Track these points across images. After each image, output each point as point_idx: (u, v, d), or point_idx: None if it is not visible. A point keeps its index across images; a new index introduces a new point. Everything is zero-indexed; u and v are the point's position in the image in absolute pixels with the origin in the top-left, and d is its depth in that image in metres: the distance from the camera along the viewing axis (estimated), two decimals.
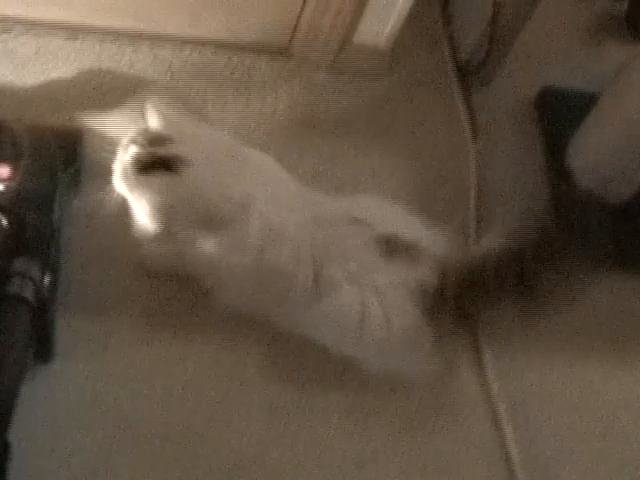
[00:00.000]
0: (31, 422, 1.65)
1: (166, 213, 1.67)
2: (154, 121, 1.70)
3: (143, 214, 1.71)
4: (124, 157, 1.65)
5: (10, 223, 1.67)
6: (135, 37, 2.27)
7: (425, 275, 1.72)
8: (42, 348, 1.70)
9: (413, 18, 2.35)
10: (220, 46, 2.32)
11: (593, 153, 2.28)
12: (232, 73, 2.30)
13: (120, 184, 1.68)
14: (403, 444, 1.87)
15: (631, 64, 2.17)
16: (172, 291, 1.89)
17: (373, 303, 1.70)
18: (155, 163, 1.62)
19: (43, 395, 1.70)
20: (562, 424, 1.98)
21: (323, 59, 2.37)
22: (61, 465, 1.66)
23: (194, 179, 1.64)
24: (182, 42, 2.29)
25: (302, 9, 2.27)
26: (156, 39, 2.28)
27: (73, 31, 2.22)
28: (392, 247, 1.72)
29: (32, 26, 2.20)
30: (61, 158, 1.86)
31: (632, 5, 2.82)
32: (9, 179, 1.72)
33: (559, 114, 2.46)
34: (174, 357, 1.84)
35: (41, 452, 1.65)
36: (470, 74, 2.50)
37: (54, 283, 1.70)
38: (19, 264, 1.61)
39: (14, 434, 1.50)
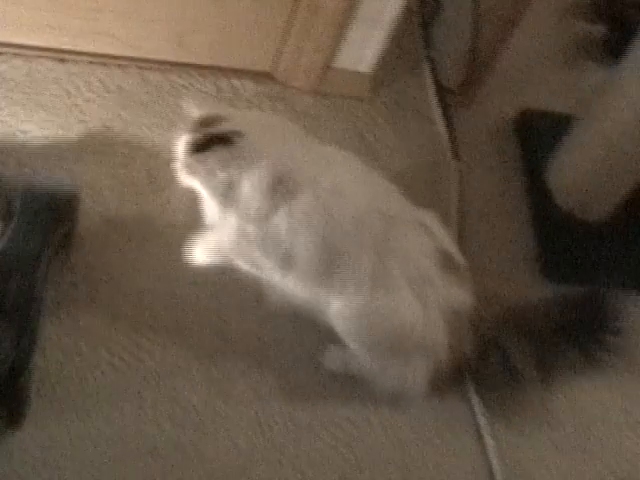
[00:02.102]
0: None
1: (231, 188, 1.69)
2: (197, 110, 1.73)
3: (210, 197, 1.74)
4: (180, 148, 1.69)
5: None
6: (124, 61, 2.31)
7: (466, 299, 1.79)
8: (12, 414, 1.67)
9: (395, 42, 2.42)
10: (206, 70, 2.37)
11: (572, 173, 2.34)
12: (218, 96, 2.34)
13: (183, 174, 1.71)
14: (388, 455, 1.90)
15: (608, 87, 2.23)
16: (159, 307, 1.93)
17: (419, 317, 1.74)
18: (210, 141, 1.66)
19: None
20: (540, 436, 2.02)
21: (306, 83, 2.41)
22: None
23: (252, 147, 1.67)
24: (170, 65, 2.34)
25: (285, 35, 2.32)
26: (144, 63, 2.32)
27: (62, 54, 2.26)
28: (447, 264, 1.76)
29: (22, 50, 2.24)
30: (52, 218, 1.81)
31: (610, 29, 2.88)
32: None
33: (538, 135, 2.51)
34: (163, 372, 1.86)
35: None
36: (451, 96, 2.55)
37: (32, 348, 1.67)
38: None
39: None
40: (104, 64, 2.29)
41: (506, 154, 2.52)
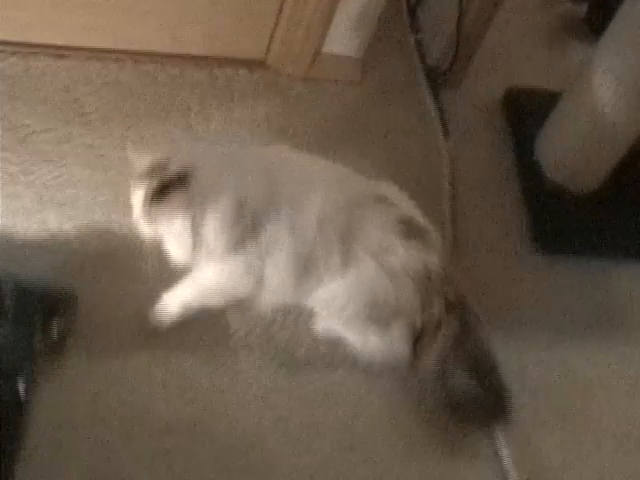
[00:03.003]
0: None
1: (197, 228, 1.68)
2: (143, 158, 1.70)
3: (175, 239, 1.73)
4: (136, 202, 1.68)
5: None
6: (119, 54, 2.35)
7: (433, 262, 1.81)
8: None
9: (382, 27, 2.48)
10: (200, 60, 2.42)
11: (559, 147, 2.40)
12: (213, 84, 2.40)
13: (144, 224, 1.69)
14: (391, 428, 1.96)
15: (591, 63, 2.28)
16: None
17: (386, 285, 1.78)
18: (166, 187, 1.63)
19: None
20: (542, 402, 2.08)
21: (298, 69, 2.47)
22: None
23: (208, 181, 1.67)
24: (165, 57, 2.39)
25: (275, 24, 2.38)
26: (139, 56, 2.37)
27: (59, 50, 2.31)
28: (410, 229, 1.79)
29: (19, 48, 2.28)
30: (44, 318, 1.72)
31: (591, 7, 2.94)
32: None
33: (525, 112, 2.58)
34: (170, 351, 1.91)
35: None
36: (439, 77, 2.61)
37: (16, 453, 1.60)
38: None
39: None
40: (100, 58, 2.34)
41: (495, 131, 2.59)
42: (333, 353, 1.98)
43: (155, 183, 1.63)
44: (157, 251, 1.74)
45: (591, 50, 2.38)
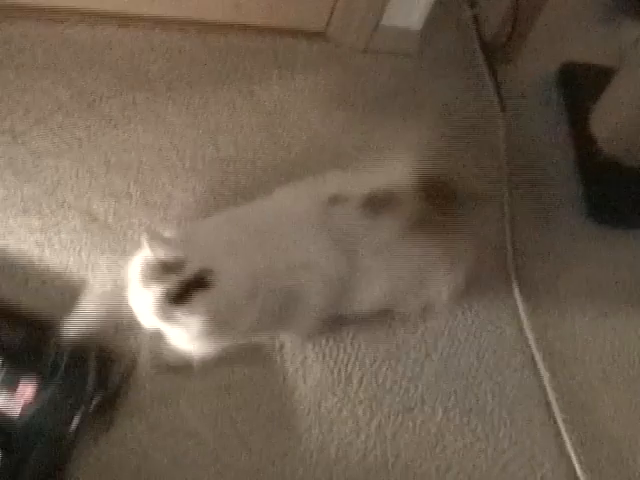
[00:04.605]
0: None
1: (220, 327, 1.60)
2: (158, 249, 1.53)
3: (191, 338, 1.62)
4: (149, 300, 1.52)
5: (6, 464, 1.50)
6: (183, 24, 2.40)
7: (408, 211, 1.78)
8: None
9: (441, 2, 2.50)
10: (262, 30, 2.46)
11: (614, 121, 2.41)
12: (275, 55, 2.44)
13: (155, 323, 1.56)
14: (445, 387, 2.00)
15: None
16: None
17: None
18: (186, 289, 1.51)
19: None
20: (596, 370, 2.11)
21: (357, 41, 2.50)
22: None
23: (229, 280, 1.56)
24: (227, 27, 2.43)
25: None
26: (202, 25, 2.41)
27: (124, 19, 2.36)
28: (376, 204, 1.76)
29: (85, 16, 2.33)
30: (95, 384, 1.61)
31: None
32: (29, 403, 1.53)
33: (580, 87, 2.59)
34: None
35: None
36: (496, 52, 2.64)
37: None
38: None
39: None
40: (164, 28, 2.38)
41: (550, 106, 2.60)
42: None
43: (176, 284, 1.50)
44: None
45: None
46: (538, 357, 2.07)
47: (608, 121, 2.43)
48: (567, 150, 2.49)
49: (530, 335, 2.09)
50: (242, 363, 1.87)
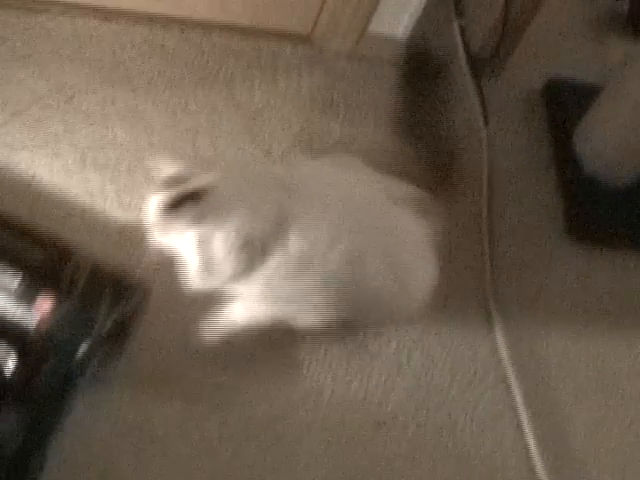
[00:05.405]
0: None
1: (207, 245, 1.67)
2: (169, 167, 1.68)
3: (187, 256, 1.70)
4: (152, 208, 1.65)
5: (19, 369, 1.57)
6: (166, 20, 2.37)
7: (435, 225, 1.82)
8: None
9: (428, 10, 2.47)
10: (247, 31, 2.43)
11: (598, 139, 2.41)
12: (258, 56, 2.41)
13: (157, 233, 1.67)
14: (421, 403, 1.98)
15: (633, 57, 2.30)
16: None
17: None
18: (180, 200, 1.61)
19: None
20: (569, 390, 2.09)
21: (343, 47, 2.48)
22: None
23: (222, 202, 1.65)
24: (211, 26, 2.40)
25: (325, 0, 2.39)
26: (186, 23, 2.38)
27: (107, 14, 2.32)
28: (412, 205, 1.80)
29: (68, 8, 2.29)
30: (111, 307, 1.66)
31: (633, 4, 2.95)
32: (45, 317, 1.58)
33: (565, 103, 2.58)
34: None
35: None
36: (481, 64, 2.61)
37: (49, 434, 1.59)
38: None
39: None
40: (147, 23, 2.35)
41: (534, 121, 2.59)
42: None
43: (172, 194, 1.62)
44: None
45: (632, 46, 2.39)
46: (511, 375, 2.05)
47: (591, 139, 2.42)
48: (550, 167, 2.47)
49: (504, 353, 2.07)
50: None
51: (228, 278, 1.73)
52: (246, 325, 1.84)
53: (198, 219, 1.63)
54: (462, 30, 2.65)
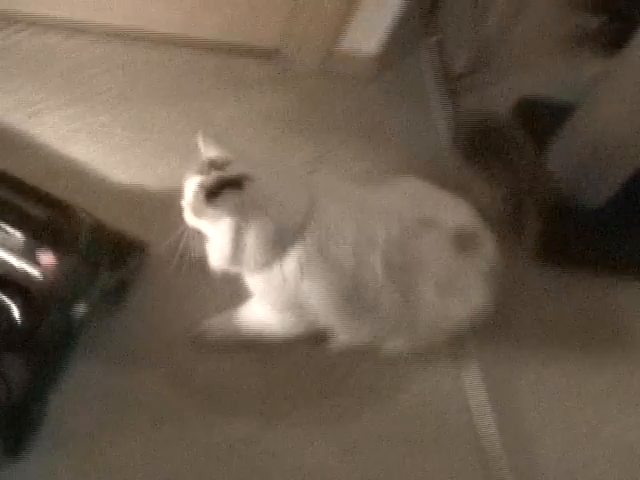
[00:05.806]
0: None
1: (242, 233, 1.64)
2: (210, 149, 1.69)
3: (218, 241, 1.68)
4: (190, 189, 1.65)
5: (25, 318, 1.60)
6: (134, 33, 2.35)
7: (490, 257, 1.84)
8: (10, 445, 1.62)
9: (401, 27, 2.45)
10: (215, 46, 2.41)
11: (570, 159, 2.38)
12: (223, 74, 2.40)
13: (191, 216, 1.66)
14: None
15: (610, 75, 2.27)
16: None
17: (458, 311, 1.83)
18: (221, 186, 1.61)
19: None
20: (540, 416, 2.07)
21: (312, 62, 2.47)
22: None
23: (261, 192, 1.63)
24: (179, 40, 2.38)
25: (293, 15, 2.37)
26: (154, 37, 2.37)
27: (75, 28, 2.30)
28: (463, 242, 1.79)
29: (36, 20, 2.27)
30: (112, 263, 1.74)
31: (609, 21, 2.94)
32: (48, 270, 1.62)
33: (537, 121, 2.55)
34: None
35: None
36: (455, 80, 2.60)
37: (50, 383, 1.64)
38: (4, 361, 1.57)
39: None
40: (116, 38, 2.34)
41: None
42: None
43: (213, 179, 1.62)
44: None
45: (606, 63, 2.38)
46: (482, 400, 2.03)
47: (564, 159, 2.40)
48: (521, 186, 2.44)
49: (475, 378, 2.06)
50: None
51: (254, 266, 1.70)
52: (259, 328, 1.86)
53: (238, 207, 1.61)
54: (438, 45, 2.64)
